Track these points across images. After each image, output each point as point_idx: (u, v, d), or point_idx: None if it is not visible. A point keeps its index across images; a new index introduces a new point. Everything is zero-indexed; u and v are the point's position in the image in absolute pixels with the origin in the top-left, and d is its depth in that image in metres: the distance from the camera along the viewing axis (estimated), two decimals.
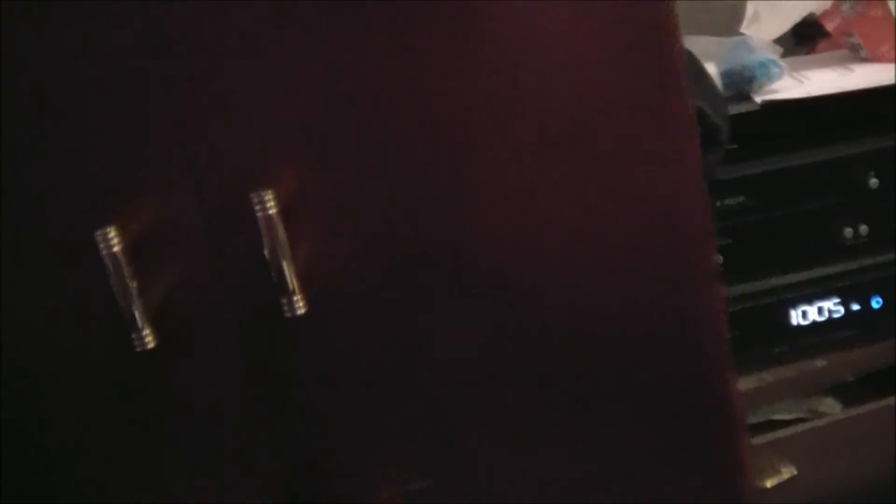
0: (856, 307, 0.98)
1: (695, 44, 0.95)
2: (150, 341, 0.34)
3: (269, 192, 0.32)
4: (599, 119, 0.40)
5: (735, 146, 0.95)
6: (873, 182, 0.97)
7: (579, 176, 0.39)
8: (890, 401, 1.02)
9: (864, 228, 0.98)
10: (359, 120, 0.37)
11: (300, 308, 0.33)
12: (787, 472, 0.97)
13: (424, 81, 0.38)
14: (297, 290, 0.33)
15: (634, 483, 0.40)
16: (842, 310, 0.98)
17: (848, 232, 0.98)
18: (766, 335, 0.97)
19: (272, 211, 0.32)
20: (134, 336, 0.34)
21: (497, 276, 0.38)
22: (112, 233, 0.32)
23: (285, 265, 0.32)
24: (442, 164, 0.38)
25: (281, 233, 0.32)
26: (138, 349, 0.34)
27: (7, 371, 0.37)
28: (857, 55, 1.08)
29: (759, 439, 0.97)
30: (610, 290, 0.40)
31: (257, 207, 0.32)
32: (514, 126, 0.39)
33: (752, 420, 0.98)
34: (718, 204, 0.94)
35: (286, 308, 0.33)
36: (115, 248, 0.33)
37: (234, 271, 0.35)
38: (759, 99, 0.97)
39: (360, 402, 0.37)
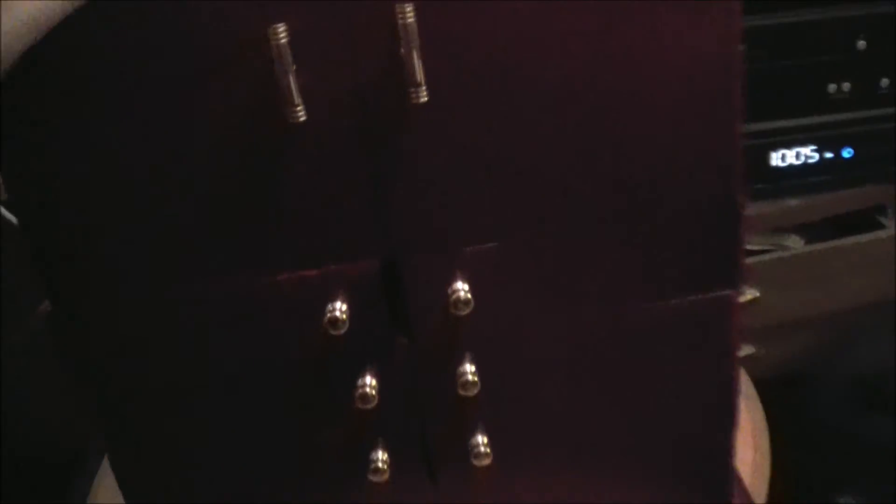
0: (829, 155, 1.08)
1: None
2: (301, 114, 0.43)
3: (410, 4, 0.41)
4: None
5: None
6: (861, 44, 1.04)
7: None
8: (847, 241, 1.15)
9: (846, 86, 1.06)
10: None
11: (424, 97, 0.43)
12: (752, 294, 1.10)
13: None
14: (423, 82, 0.42)
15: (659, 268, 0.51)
16: (817, 157, 1.08)
17: (832, 87, 1.06)
18: (748, 173, 1.08)
19: (411, 19, 0.41)
20: (289, 111, 0.43)
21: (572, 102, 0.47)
22: (282, 28, 0.42)
23: (416, 60, 0.42)
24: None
25: (415, 36, 0.41)
26: (291, 121, 0.43)
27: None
28: None
29: None
30: (657, 118, 0.48)
31: (400, 16, 0.41)
32: None
33: None
34: None
35: (413, 96, 0.43)
36: (283, 41, 0.42)
37: (369, 70, 0.44)
38: None
39: (453, 178, 0.47)
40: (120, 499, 0.68)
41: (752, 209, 1.09)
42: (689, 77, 0.45)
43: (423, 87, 0.42)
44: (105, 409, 0.52)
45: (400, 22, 0.41)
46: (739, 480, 0.64)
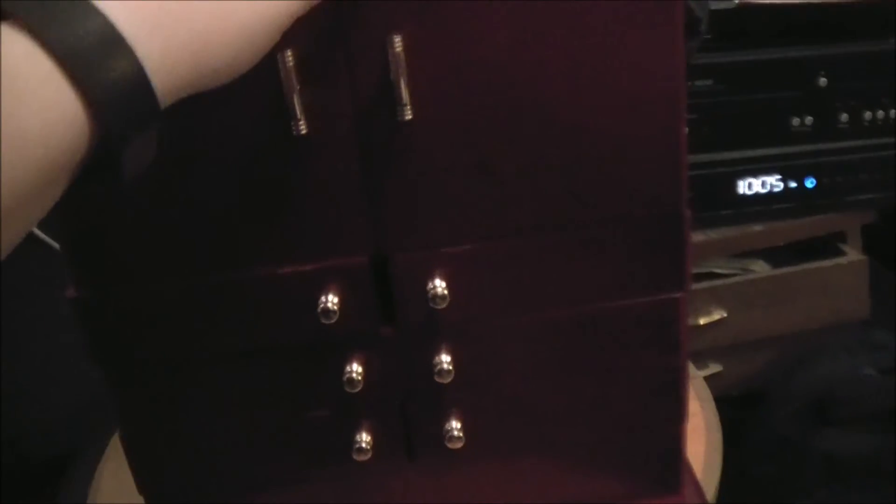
0: (793, 185, 1.15)
1: None
2: (303, 128, 0.50)
3: (399, 36, 0.48)
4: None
5: (710, 37, 1.08)
6: (822, 81, 1.12)
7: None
8: (809, 266, 1.21)
9: (809, 119, 1.13)
10: None
11: (409, 115, 0.49)
12: (718, 314, 1.17)
13: None
14: (409, 102, 0.49)
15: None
16: (781, 186, 1.15)
17: (795, 121, 1.13)
18: (716, 199, 1.14)
19: (399, 49, 0.48)
20: (293, 124, 0.50)
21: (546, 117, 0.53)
22: (290, 53, 0.49)
23: (403, 84, 0.49)
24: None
25: (403, 63, 0.48)
26: (294, 133, 0.50)
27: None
28: None
29: (697, 286, 1.16)
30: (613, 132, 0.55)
31: (389, 47, 0.48)
32: None
33: (694, 270, 1.16)
34: (690, 84, 1.08)
35: (399, 114, 0.49)
36: (290, 64, 0.49)
37: (363, 90, 0.51)
38: None
39: (436, 186, 0.54)
40: (119, 498, 0.74)
41: (720, 234, 1.17)
42: (641, 110, 0.52)
43: (409, 106, 0.49)
44: (122, 382, 0.59)
45: (390, 50, 0.48)
46: (691, 471, 0.70)
